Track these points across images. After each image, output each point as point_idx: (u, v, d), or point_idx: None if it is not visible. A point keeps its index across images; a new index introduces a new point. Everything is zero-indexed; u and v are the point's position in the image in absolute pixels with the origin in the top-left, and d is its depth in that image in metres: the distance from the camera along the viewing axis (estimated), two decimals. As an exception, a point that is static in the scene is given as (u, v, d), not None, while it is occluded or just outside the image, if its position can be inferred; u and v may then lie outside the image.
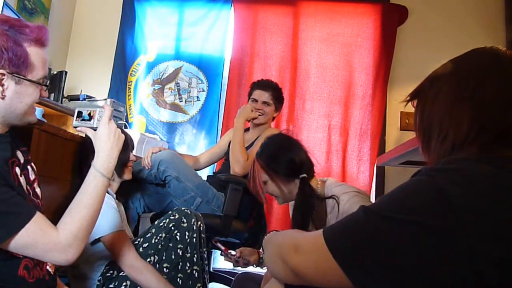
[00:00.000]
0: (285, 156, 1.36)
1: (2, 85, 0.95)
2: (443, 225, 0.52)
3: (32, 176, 1.10)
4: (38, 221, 0.92)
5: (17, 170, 1.02)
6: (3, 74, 0.95)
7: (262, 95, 2.14)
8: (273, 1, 2.99)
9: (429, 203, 0.54)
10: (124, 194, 1.86)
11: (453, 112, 0.65)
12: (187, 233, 1.49)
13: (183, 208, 1.55)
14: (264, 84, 2.18)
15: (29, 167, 1.09)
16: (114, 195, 1.61)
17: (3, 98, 0.96)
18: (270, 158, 1.38)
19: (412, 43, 2.89)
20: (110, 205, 1.45)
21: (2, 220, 0.88)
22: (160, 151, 1.92)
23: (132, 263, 1.39)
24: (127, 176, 1.66)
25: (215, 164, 2.80)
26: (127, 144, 1.65)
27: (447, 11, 2.91)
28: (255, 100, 2.15)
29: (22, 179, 1.03)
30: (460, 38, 2.80)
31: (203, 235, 1.60)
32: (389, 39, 2.83)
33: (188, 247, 1.49)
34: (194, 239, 1.51)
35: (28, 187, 1.06)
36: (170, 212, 1.53)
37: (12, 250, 0.91)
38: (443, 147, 0.66)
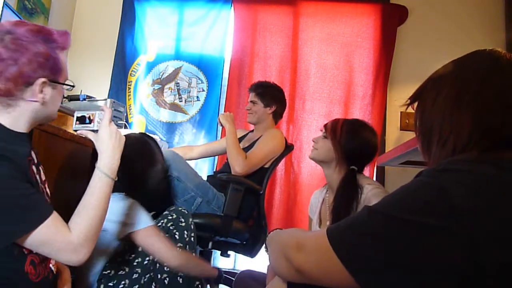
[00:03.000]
0: (362, 139, 1.46)
1: (42, 92, 1.00)
2: (446, 225, 0.52)
3: (43, 177, 1.12)
4: (55, 219, 0.94)
5: (34, 168, 1.04)
6: (45, 82, 1.00)
7: (250, 96, 2.28)
8: (273, 1, 2.99)
9: (432, 203, 0.55)
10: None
11: (454, 117, 0.65)
12: (185, 232, 1.50)
13: (180, 208, 1.55)
14: (252, 86, 2.32)
15: (40, 168, 1.12)
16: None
17: (43, 104, 1.01)
18: (353, 128, 1.48)
19: (412, 43, 2.89)
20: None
21: (22, 215, 0.90)
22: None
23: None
24: None
25: (215, 164, 2.81)
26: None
27: (447, 11, 2.91)
28: (248, 102, 2.29)
29: (38, 178, 1.06)
30: (460, 38, 2.80)
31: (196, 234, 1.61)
32: (389, 39, 2.83)
33: (187, 246, 1.49)
34: (193, 238, 1.52)
35: (42, 186, 1.08)
36: (167, 212, 1.54)
37: (27, 246, 0.92)
38: (443, 152, 0.66)
